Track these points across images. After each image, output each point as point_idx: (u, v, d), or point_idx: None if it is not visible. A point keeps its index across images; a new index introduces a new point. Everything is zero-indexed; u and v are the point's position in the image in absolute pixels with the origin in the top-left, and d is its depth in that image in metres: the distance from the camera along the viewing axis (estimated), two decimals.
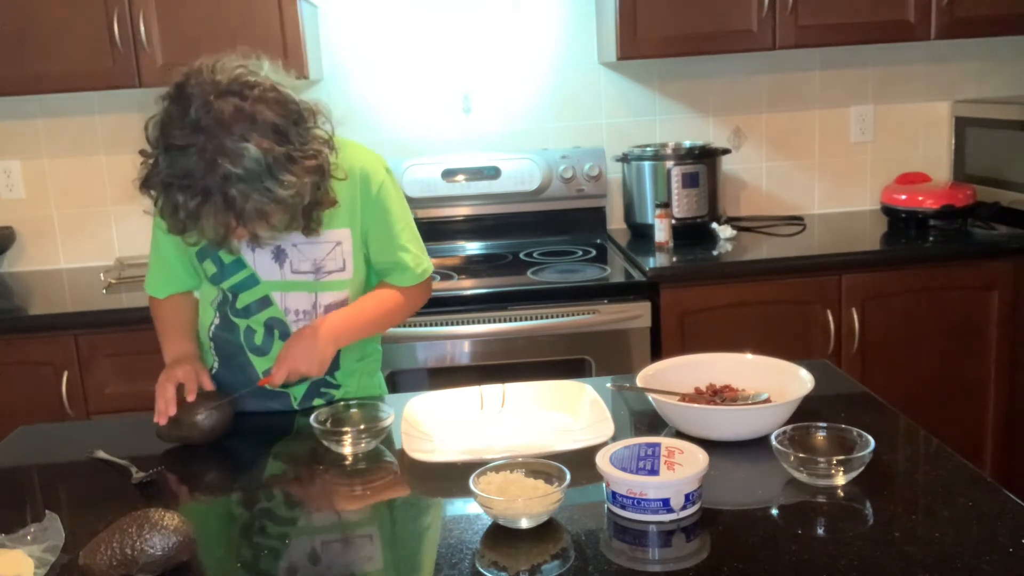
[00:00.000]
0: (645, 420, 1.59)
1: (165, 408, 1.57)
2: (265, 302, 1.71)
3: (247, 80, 1.41)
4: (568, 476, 1.24)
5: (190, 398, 1.58)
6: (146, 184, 1.41)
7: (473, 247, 3.19)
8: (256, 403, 1.73)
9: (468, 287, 2.69)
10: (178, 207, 1.37)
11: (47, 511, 1.33)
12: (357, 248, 1.72)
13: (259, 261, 1.69)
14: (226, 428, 1.60)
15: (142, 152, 1.42)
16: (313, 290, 1.70)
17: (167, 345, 1.76)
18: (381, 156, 1.75)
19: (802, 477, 1.31)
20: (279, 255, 1.68)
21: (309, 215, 1.53)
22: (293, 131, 1.43)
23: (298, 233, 1.63)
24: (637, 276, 2.70)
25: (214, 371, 1.78)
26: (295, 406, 1.77)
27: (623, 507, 1.23)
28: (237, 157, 1.35)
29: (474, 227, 3.20)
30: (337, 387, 1.80)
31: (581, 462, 1.33)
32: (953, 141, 3.30)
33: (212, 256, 1.70)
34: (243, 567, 1.19)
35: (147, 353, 2.53)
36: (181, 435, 1.58)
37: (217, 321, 1.77)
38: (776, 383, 1.57)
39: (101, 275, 2.98)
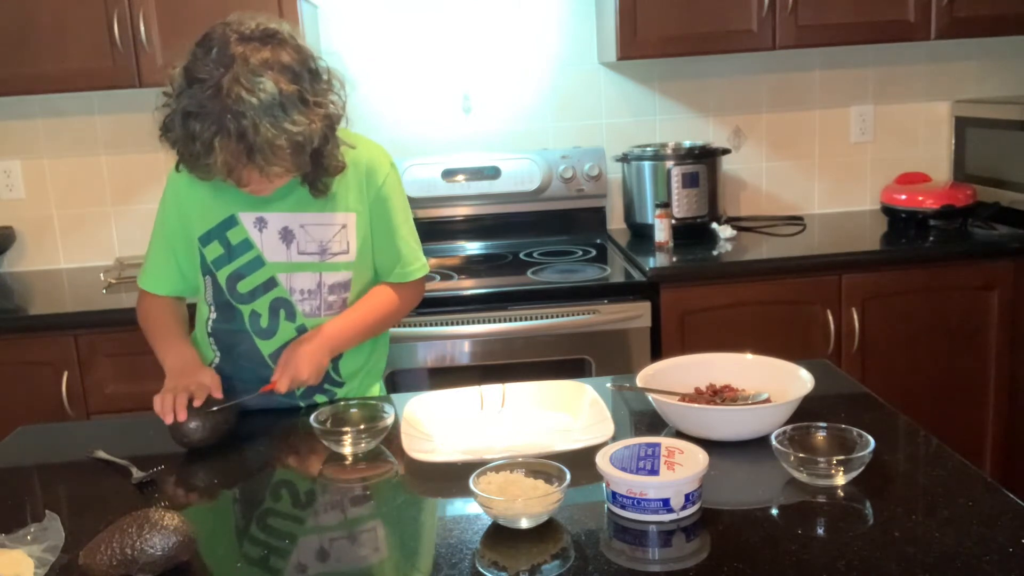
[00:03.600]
0: (645, 420, 1.59)
1: (169, 411, 1.56)
2: (270, 284, 1.72)
3: (268, 28, 1.50)
4: (568, 476, 1.24)
5: (197, 403, 1.56)
6: (166, 124, 1.49)
7: (473, 247, 3.19)
8: (259, 399, 1.73)
9: (468, 287, 2.69)
10: (194, 136, 1.44)
11: (47, 511, 1.33)
12: (362, 234, 1.75)
13: (266, 242, 1.71)
14: (219, 437, 1.59)
15: (164, 93, 1.50)
16: (318, 270, 1.73)
17: (168, 349, 1.73)
18: (386, 150, 1.80)
19: (802, 477, 1.31)
20: (287, 236, 1.70)
21: (318, 170, 1.60)
22: (308, 78, 1.51)
23: (306, 213, 1.69)
24: (637, 276, 2.70)
25: (215, 365, 1.79)
26: (300, 402, 1.78)
27: (623, 507, 1.23)
28: (253, 89, 1.43)
29: (474, 227, 3.20)
30: (341, 384, 1.82)
31: (581, 462, 1.33)
32: (953, 141, 3.30)
33: (219, 238, 1.71)
34: (243, 567, 1.19)
35: (147, 353, 2.51)
36: (178, 439, 1.57)
37: (215, 315, 1.77)
38: (776, 383, 1.57)
39: (101, 275, 2.98)
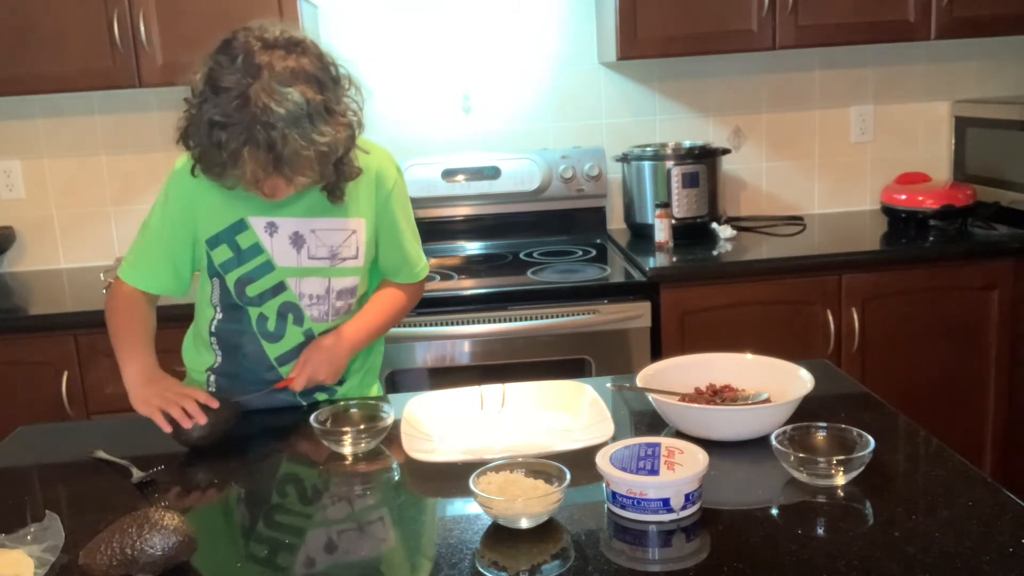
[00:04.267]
0: (645, 420, 1.59)
1: (185, 418, 1.55)
2: (279, 288, 1.72)
3: (291, 36, 1.50)
4: (568, 476, 1.24)
5: (202, 420, 1.55)
6: (187, 132, 1.48)
7: (473, 247, 3.19)
8: (261, 397, 1.74)
9: (468, 287, 2.69)
10: (221, 146, 1.43)
11: (47, 511, 1.33)
12: (370, 238, 1.76)
13: (276, 247, 1.70)
14: (218, 436, 1.58)
15: (186, 100, 1.49)
16: (327, 276, 1.73)
17: (133, 356, 1.69)
18: (392, 155, 1.81)
19: (802, 477, 1.31)
20: (297, 241, 1.70)
21: (338, 178, 1.61)
22: (331, 87, 1.51)
23: (317, 219, 1.70)
24: (637, 276, 2.70)
25: (217, 365, 1.79)
26: (300, 400, 1.78)
27: (623, 507, 1.23)
28: (281, 100, 1.42)
29: (474, 227, 3.20)
30: (341, 382, 1.82)
31: (581, 462, 1.33)
32: (953, 141, 3.30)
33: (228, 241, 1.70)
34: (244, 567, 1.19)
35: None
36: (180, 439, 1.57)
37: (220, 316, 1.77)
38: (776, 383, 1.57)
39: (101, 275, 2.98)
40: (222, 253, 1.71)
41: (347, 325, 1.76)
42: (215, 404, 1.59)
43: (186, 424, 1.55)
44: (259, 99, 1.41)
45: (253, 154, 1.42)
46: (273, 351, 1.76)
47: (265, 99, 1.41)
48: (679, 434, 1.48)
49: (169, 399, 1.58)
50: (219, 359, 1.80)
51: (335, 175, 1.59)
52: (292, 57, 1.47)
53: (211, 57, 1.47)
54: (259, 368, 1.76)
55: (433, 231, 3.13)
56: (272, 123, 1.41)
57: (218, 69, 1.45)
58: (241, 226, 1.70)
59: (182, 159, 1.67)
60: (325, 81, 1.50)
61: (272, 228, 1.70)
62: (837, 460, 1.29)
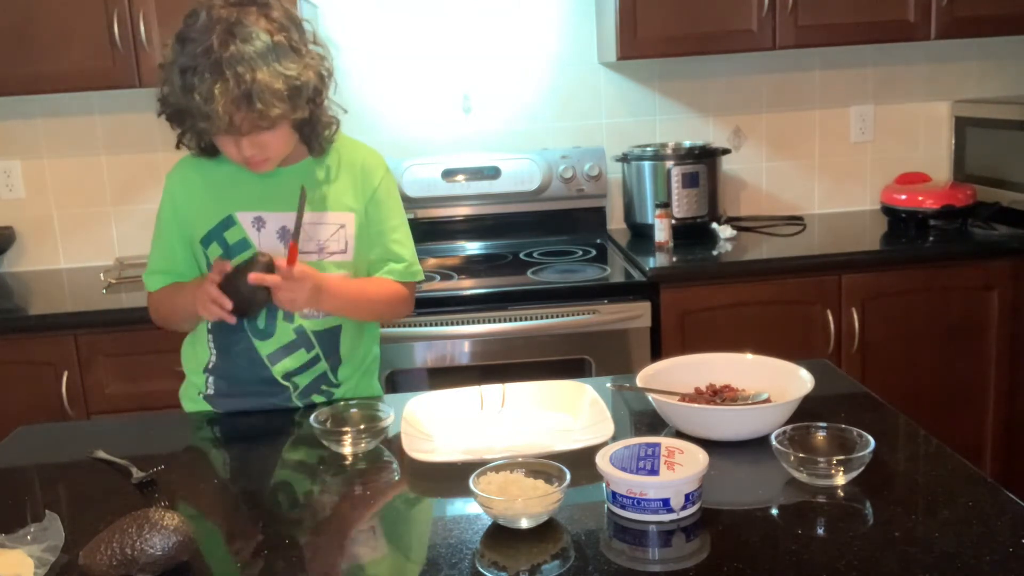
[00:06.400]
0: (645, 420, 1.59)
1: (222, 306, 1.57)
2: None
3: None
4: (568, 476, 1.24)
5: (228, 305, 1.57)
6: (164, 95, 1.56)
7: (473, 247, 3.19)
8: (257, 399, 1.75)
9: (468, 287, 2.69)
10: (193, 89, 1.49)
11: (47, 511, 1.33)
12: (360, 234, 1.77)
13: (264, 242, 1.71)
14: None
15: (160, 65, 1.57)
16: (316, 270, 1.72)
17: (182, 290, 1.73)
18: (380, 154, 1.83)
19: (802, 477, 1.31)
20: (284, 235, 1.71)
21: (314, 126, 1.66)
22: (296, 32, 1.58)
23: (304, 213, 1.69)
24: (637, 276, 2.70)
25: (212, 365, 1.79)
26: (297, 402, 1.78)
27: (623, 507, 1.23)
28: (246, 39, 1.50)
29: (474, 227, 3.20)
30: (337, 385, 1.81)
31: (581, 462, 1.33)
32: (953, 141, 3.30)
33: (218, 238, 1.72)
34: (243, 567, 1.19)
35: (147, 353, 2.56)
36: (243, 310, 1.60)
37: None
38: (776, 383, 1.57)
39: (101, 275, 2.98)
40: (214, 251, 1.73)
41: (337, 276, 1.72)
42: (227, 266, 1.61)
43: (215, 315, 1.58)
44: (225, 41, 1.49)
45: (224, 90, 1.47)
46: (264, 348, 1.75)
47: (230, 40, 1.48)
48: (679, 434, 1.48)
49: (201, 294, 1.59)
50: (214, 357, 1.80)
51: (309, 122, 1.64)
52: (254, 9, 1.54)
53: (182, 25, 1.57)
54: (253, 366, 1.76)
55: (433, 231, 3.13)
56: (239, 58, 1.48)
57: (184, 29, 1.54)
58: (229, 222, 1.72)
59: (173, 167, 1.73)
60: (288, 26, 1.57)
61: (259, 223, 1.71)
62: (837, 460, 1.29)
